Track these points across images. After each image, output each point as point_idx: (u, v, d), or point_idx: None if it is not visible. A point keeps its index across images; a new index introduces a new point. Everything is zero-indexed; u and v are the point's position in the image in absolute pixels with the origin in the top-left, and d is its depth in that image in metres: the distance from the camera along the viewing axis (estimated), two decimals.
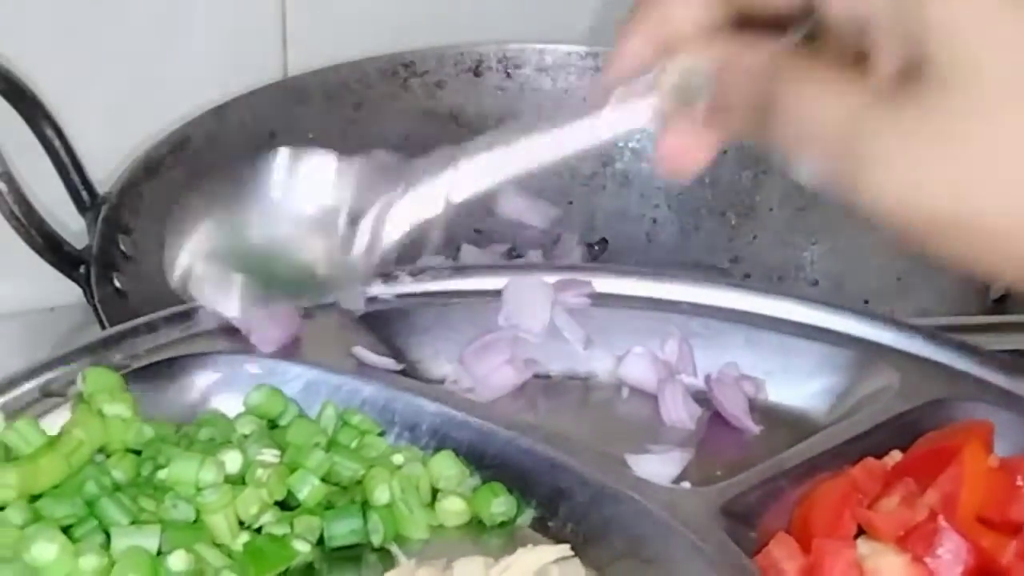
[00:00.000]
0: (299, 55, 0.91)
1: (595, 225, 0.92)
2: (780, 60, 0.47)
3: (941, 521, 0.56)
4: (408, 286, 0.67)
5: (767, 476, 0.60)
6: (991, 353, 0.65)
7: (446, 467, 0.61)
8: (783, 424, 0.65)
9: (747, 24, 0.49)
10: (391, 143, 0.90)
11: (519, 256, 0.89)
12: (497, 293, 0.67)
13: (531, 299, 0.68)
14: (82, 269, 0.77)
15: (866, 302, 0.84)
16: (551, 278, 0.68)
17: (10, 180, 0.76)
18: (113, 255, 0.78)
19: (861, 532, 0.57)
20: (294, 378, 0.62)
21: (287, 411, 0.62)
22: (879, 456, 0.60)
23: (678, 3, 0.50)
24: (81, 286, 0.77)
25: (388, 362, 0.64)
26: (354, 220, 0.55)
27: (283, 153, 0.56)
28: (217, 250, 0.57)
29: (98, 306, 0.74)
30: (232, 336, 0.63)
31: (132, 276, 0.78)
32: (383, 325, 0.66)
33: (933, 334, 0.66)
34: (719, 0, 0.49)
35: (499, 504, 0.60)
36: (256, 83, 0.88)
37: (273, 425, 0.61)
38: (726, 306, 0.68)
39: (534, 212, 0.90)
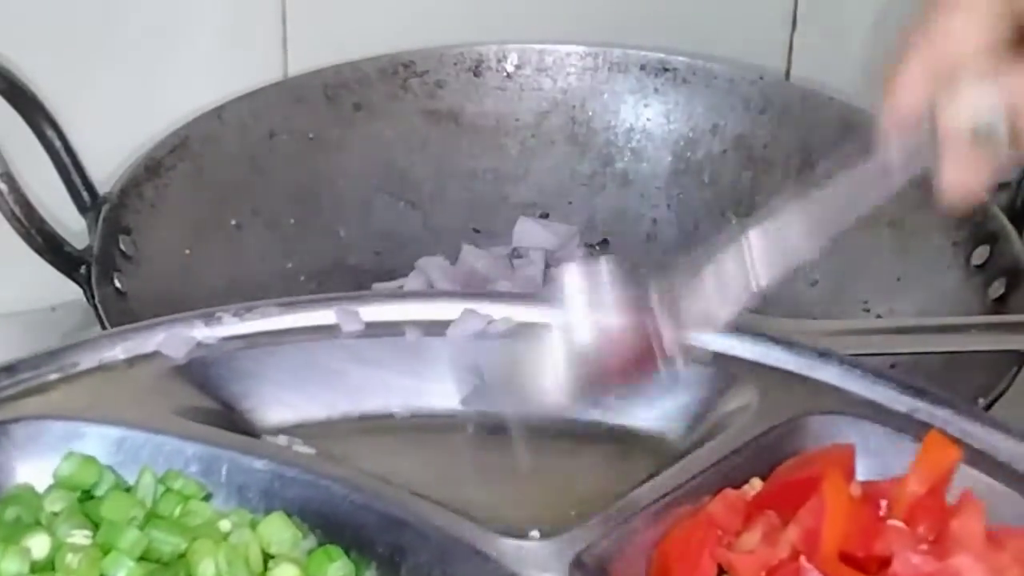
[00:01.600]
0: (299, 55, 0.91)
1: (595, 225, 0.92)
2: None
3: (803, 561, 0.53)
4: (233, 327, 0.62)
5: (621, 518, 0.56)
6: (852, 361, 0.62)
7: (278, 530, 0.55)
8: (639, 450, 0.61)
9: None
10: (391, 143, 0.90)
11: (520, 257, 0.89)
12: (329, 328, 0.63)
13: None
14: (82, 269, 0.77)
15: (866, 302, 0.84)
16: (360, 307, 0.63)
17: (10, 180, 0.76)
18: (113, 255, 0.78)
19: (723, 571, 0.55)
20: (110, 440, 0.58)
21: (102, 480, 0.57)
22: (738, 484, 0.57)
23: (959, 25, 0.47)
24: (81, 286, 0.77)
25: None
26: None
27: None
28: None
29: (98, 306, 0.74)
30: (41, 395, 0.59)
31: (132, 276, 0.78)
32: (206, 372, 0.61)
33: (791, 344, 0.62)
34: (1004, 19, 0.46)
35: (337, 568, 0.55)
36: (256, 83, 0.88)
37: (88, 496, 0.57)
38: None
39: (549, 234, 0.90)
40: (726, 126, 0.91)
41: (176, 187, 0.83)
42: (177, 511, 0.56)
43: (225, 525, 0.56)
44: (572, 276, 0.56)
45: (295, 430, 0.61)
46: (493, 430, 0.60)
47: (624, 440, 0.62)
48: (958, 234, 0.82)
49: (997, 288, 0.78)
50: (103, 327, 0.73)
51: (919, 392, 0.60)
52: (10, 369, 0.59)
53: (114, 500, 0.56)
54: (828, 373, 0.61)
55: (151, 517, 0.56)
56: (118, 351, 0.61)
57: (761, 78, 0.90)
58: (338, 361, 0.62)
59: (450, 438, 0.62)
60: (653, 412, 0.62)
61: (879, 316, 0.84)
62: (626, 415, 0.62)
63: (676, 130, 0.91)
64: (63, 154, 0.80)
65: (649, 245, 0.91)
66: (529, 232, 0.90)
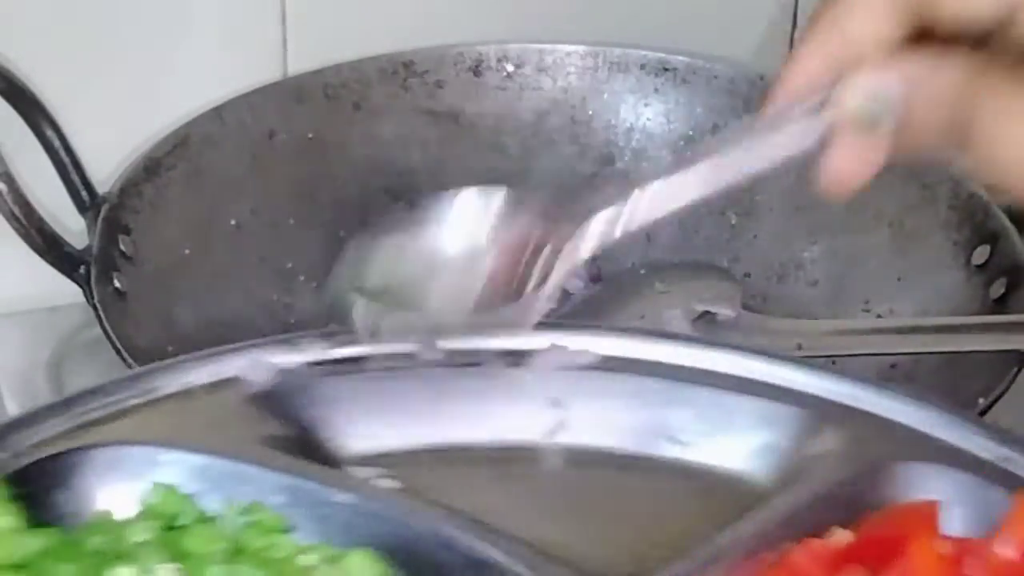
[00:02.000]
0: (299, 55, 0.91)
1: None
2: (975, 78, 0.45)
3: None
4: (315, 353, 0.61)
5: (704, 564, 0.54)
6: (941, 405, 0.60)
7: (362, 567, 0.54)
8: (720, 490, 0.59)
9: (925, 38, 0.47)
10: (391, 143, 0.90)
11: None
12: (411, 356, 0.61)
13: None
14: (82, 269, 0.77)
15: (866, 302, 0.84)
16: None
17: (10, 180, 0.76)
18: (113, 255, 0.78)
19: None
20: (191, 467, 0.56)
21: (185, 510, 0.56)
22: (821, 532, 0.56)
23: (857, 18, 0.48)
24: (81, 286, 0.77)
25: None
26: (514, 257, 0.54)
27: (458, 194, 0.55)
28: (368, 281, 0.56)
29: (98, 306, 0.74)
30: (123, 420, 0.58)
31: (132, 276, 0.78)
32: (288, 399, 0.60)
33: (880, 386, 0.60)
34: (901, 15, 0.47)
35: None
36: (256, 83, 0.88)
37: (170, 526, 0.56)
38: (652, 358, 0.61)
39: None
40: (726, 126, 0.90)
41: (176, 187, 0.83)
42: (260, 544, 0.55)
43: (308, 560, 0.55)
44: (465, 202, 0.56)
45: (377, 460, 0.60)
46: (574, 465, 0.60)
47: (705, 479, 0.60)
48: (958, 234, 0.82)
49: (997, 288, 0.78)
50: (103, 327, 0.73)
51: (1010, 440, 0.58)
52: (93, 392, 0.58)
53: (198, 533, 0.55)
54: (916, 418, 0.59)
55: (235, 550, 0.55)
56: (200, 375, 0.60)
57: (761, 78, 0.90)
58: (420, 390, 0.61)
59: (531, 472, 0.60)
60: (736, 451, 0.60)
61: (879, 316, 0.84)
62: (708, 453, 0.60)
63: (676, 130, 0.91)
64: (62, 154, 0.80)
65: (649, 245, 0.91)
66: None
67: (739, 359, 0.61)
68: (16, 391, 0.85)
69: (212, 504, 0.56)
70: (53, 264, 0.77)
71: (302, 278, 0.86)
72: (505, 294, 0.57)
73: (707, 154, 0.53)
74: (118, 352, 0.72)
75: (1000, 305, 0.78)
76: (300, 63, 0.91)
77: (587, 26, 0.94)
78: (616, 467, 0.60)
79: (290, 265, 0.86)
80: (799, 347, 0.78)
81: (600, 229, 0.54)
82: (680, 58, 0.91)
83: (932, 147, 0.47)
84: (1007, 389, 0.71)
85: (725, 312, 0.80)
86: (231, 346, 0.61)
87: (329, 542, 0.55)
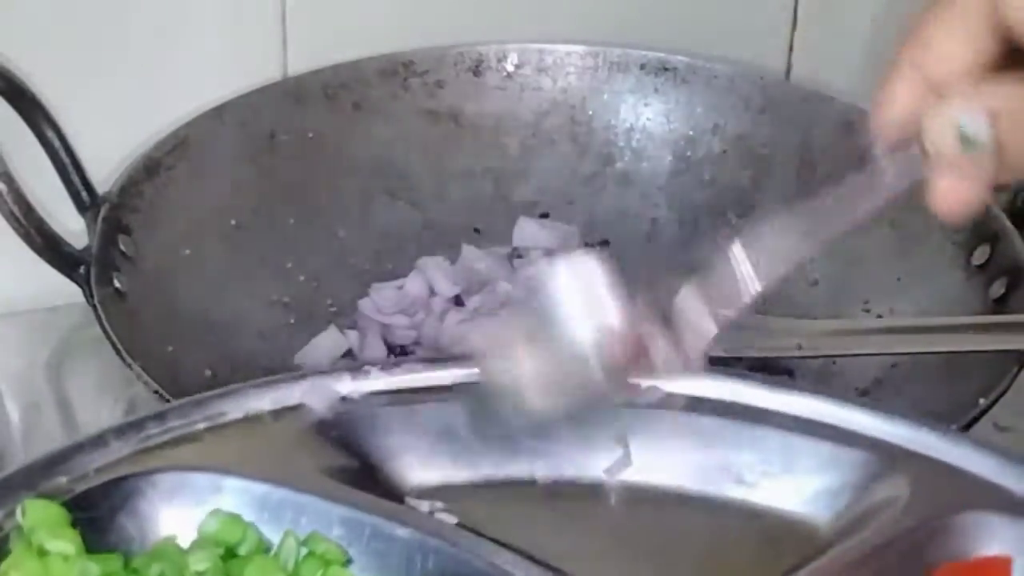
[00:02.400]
0: (299, 55, 0.91)
1: (595, 225, 0.92)
2: None
3: None
4: (378, 382, 0.61)
5: None
6: (1010, 454, 0.58)
7: None
8: (783, 533, 0.59)
9: (1017, 59, 0.47)
10: (391, 143, 0.90)
11: (520, 257, 0.89)
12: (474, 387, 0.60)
13: None
14: (82, 269, 0.77)
15: (866, 302, 0.84)
16: None
17: (10, 180, 0.76)
18: (113, 255, 0.78)
19: None
20: (254, 495, 0.57)
21: (246, 539, 0.56)
22: None
23: (943, 43, 0.48)
24: (81, 286, 0.77)
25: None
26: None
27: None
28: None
29: (98, 306, 0.74)
30: (188, 445, 0.58)
31: (132, 276, 0.78)
32: (350, 428, 0.60)
33: (947, 433, 0.60)
34: (986, 37, 0.47)
35: None
36: (256, 83, 0.88)
37: (231, 554, 0.56)
38: (717, 397, 0.61)
39: (550, 233, 0.90)
40: (726, 126, 0.90)
41: (176, 187, 0.83)
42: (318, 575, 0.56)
43: None
44: (563, 272, 0.55)
45: (437, 493, 0.59)
46: (636, 503, 0.60)
47: (768, 521, 0.59)
48: (958, 234, 0.82)
49: (997, 288, 0.78)
50: (103, 327, 0.73)
51: None
52: (160, 417, 0.59)
53: (258, 565, 0.55)
54: (985, 466, 0.58)
55: None
56: (264, 402, 0.60)
57: (761, 78, 0.90)
58: (481, 423, 0.61)
59: (593, 510, 0.60)
60: (799, 494, 0.60)
61: (879, 316, 0.84)
62: (772, 495, 0.60)
63: (676, 130, 0.91)
64: (62, 154, 0.80)
65: (649, 245, 0.91)
66: (529, 232, 0.90)
67: (804, 400, 0.61)
68: (16, 391, 0.85)
69: (273, 533, 0.56)
70: (53, 264, 0.77)
71: (302, 278, 0.86)
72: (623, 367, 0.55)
73: (814, 208, 0.53)
74: (118, 352, 0.72)
75: (1000, 305, 0.78)
76: (300, 63, 0.91)
77: (587, 26, 0.94)
78: (678, 506, 0.60)
79: (290, 265, 0.86)
80: (799, 347, 0.78)
81: (724, 287, 0.55)
82: (680, 58, 0.91)
83: None
84: (1007, 389, 0.71)
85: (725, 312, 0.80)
86: (295, 373, 0.61)
87: (387, 575, 0.56)
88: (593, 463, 0.61)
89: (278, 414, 0.60)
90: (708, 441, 0.60)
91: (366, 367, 0.61)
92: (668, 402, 0.60)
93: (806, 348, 0.78)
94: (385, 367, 0.61)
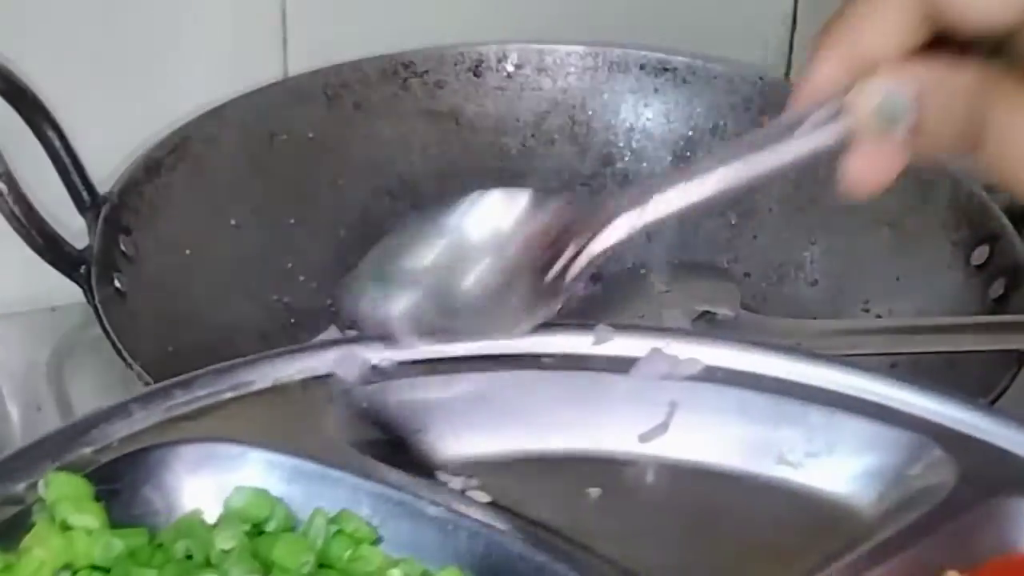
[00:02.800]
0: (299, 55, 0.91)
1: None
2: (989, 84, 0.46)
3: None
4: (410, 351, 0.58)
5: None
6: None
7: None
8: (824, 514, 0.57)
9: (940, 44, 0.48)
10: (391, 143, 0.90)
11: None
12: (510, 359, 0.59)
13: None
14: (82, 269, 0.77)
15: (866, 302, 0.84)
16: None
17: (10, 180, 0.76)
18: (113, 255, 0.78)
19: None
20: (282, 468, 0.55)
21: (274, 515, 0.54)
22: (932, 570, 0.52)
23: (873, 25, 0.49)
24: (81, 286, 0.77)
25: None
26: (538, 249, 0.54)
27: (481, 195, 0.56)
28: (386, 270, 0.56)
29: (98, 306, 0.74)
30: (215, 415, 0.57)
31: (132, 276, 0.78)
32: (381, 399, 0.58)
33: (995, 413, 0.57)
34: (916, 22, 0.48)
35: None
36: (256, 83, 0.88)
37: (258, 530, 0.55)
38: (758, 371, 0.59)
39: None
40: (726, 126, 0.91)
41: (176, 187, 0.83)
42: (347, 555, 0.54)
43: (396, 574, 0.53)
44: (491, 200, 0.56)
45: (470, 468, 0.57)
46: (675, 480, 0.58)
47: (810, 502, 0.57)
48: (958, 234, 0.82)
49: (997, 288, 0.78)
50: (103, 327, 0.73)
51: None
52: (186, 384, 0.57)
53: (286, 544, 0.53)
54: None
55: (321, 561, 0.54)
56: (293, 370, 0.58)
57: (761, 78, 0.90)
58: (517, 394, 0.59)
59: (630, 486, 0.58)
60: (843, 474, 0.57)
61: (879, 316, 0.84)
62: (815, 475, 0.57)
63: (676, 130, 0.91)
64: (63, 154, 0.80)
65: (649, 245, 0.91)
66: None
67: (848, 377, 0.58)
68: (16, 391, 0.85)
69: (300, 508, 0.54)
70: (53, 264, 0.77)
71: (302, 278, 0.86)
72: (529, 283, 0.56)
73: (725, 155, 0.53)
74: (118, 352, 0.72)
75: (999, 305, 0.78)
76: (300, 63, 0.91)
77: (587, 26, 0.94)
78: (718, 484, 0.57)
79: (290, 265, 0.86)
80: (799, 347, 0.78)
81: (622, 223, 0.55)
82: (680, 58, 0.91)
83: (947, 149, 0.48)
84: (1007, 389, 0.71)
85: (725, 312, 0.80)
86: (324, 339, 0.60)
87: (418, 555, 0.54)
88: (631, 437, 0.59)
89: (307, 383, 0.58)
90: (749, 417, 0.58)
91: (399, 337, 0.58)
92: (708, 375, 0.58)
93: (806, 348, 0.78)
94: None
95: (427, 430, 0.58)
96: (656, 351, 0.59)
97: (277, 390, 0.58)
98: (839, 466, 0.57)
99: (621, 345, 0.59)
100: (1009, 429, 0.56)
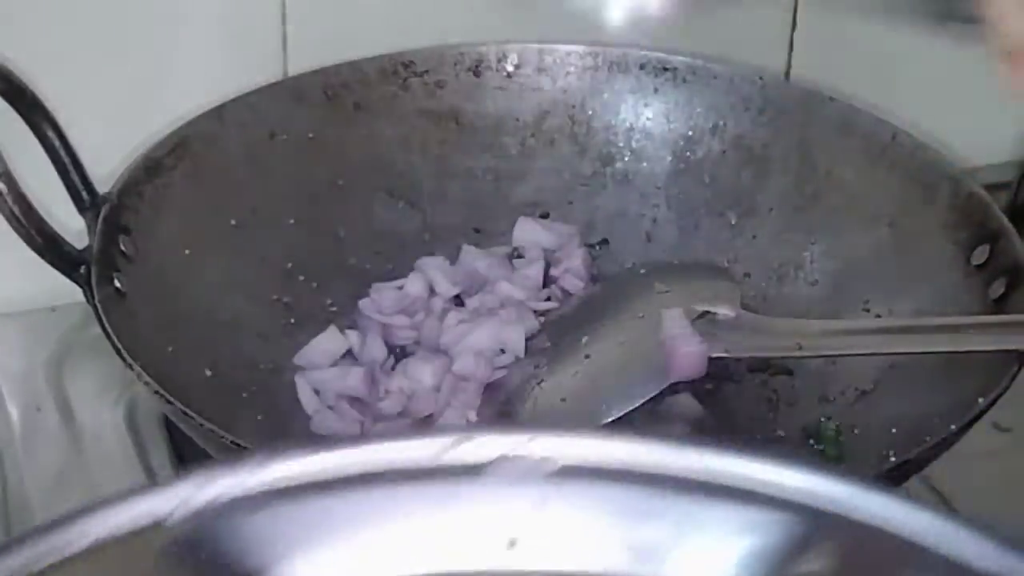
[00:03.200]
0: (299, 55, 0.91)
1: (595, 225, 0.92)
2: None
3: None
4: (245, 480, 0.51)
5: None
6: (946, 514, 0.51)
7: None
8: None
9: None
10: (391, 143, 0.90)
11: (520, 257, 0.89)
12: (355, 479, 0.53)
13: None
14: (82, 269, 0.77)
15: (866, 302, 0.84)
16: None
17: (10, 180, 0.76)
18: (113, 255, 0.78)
19: None
20: None
21: None
22: None
23: None
24: (81, 286, 0.77)
25: None
26: None
27: None
28: None
29: (98, 306, 0.74)
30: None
31: (132, 276, 0.78)
32: (216, 543, 0.52)
33: (880, 490, 0.53)
34: None
35: None
36: (256, 83, 0.88)
37: None
38: (615, 465, 0.53)
39: (550, 233, 0.90)
40: (726, 126, 0.91)
41: (176, 187, 0.83)
42: None
43: None
44: None
45: None
46: None
47: None
48: (958, 234, 0.82)
49: (997, 288, 0.78)
50: (103, 327, 0.73)
51: (1018, 549, 0.51)
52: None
53: None
54: (917, 526, 0.51)
55: None
56: (112, 524, 0.50)
57: (761, 78, 0.90)
58: (367, 517, 0.53)
59: None
60: (716, 566, 0.53)
61: (879, 316, 0.84)
62: (685, 569, 0.53)
63: (676, 130, 0.91)
64: (63, 154, 0.80)
65: (649, 245, 0.91)
66: (529, 232, 0.90)
67: (715, 459, 0.53)
68: (16, 391, 0.85)
69: None
70: (53, 264, 0.77)
71: (302, 278, 0.86)
72: None
73: None
74: (118, 352, 0.72)
75: (1000, 305, 0.78)
76: (300, 63, 0.91)
77: (587, 26, 0.94)
78: None
79: (290, 265, 0.86)
80: (799, 347, 0.78)
81: None
82: (680, 58, 0.91)
83: None
84: (1007, 389, 0.71)
85: (725, 312, 0.80)
86: (147, 485, 0.51)
87: None
88: (484, 552, 0.53)
89: (128, 538, 0.50)
90: (612, 514, 0.53)
91: (224, 466, 0.51)
92: (567, 473, 0.52)
93: (806, 348, 0.78)
94: (258, 461, 0.52)
95: (272, 570, 0.52)
96: (507, 455, 0.53)
97: (95, 552, 0.49)
98: (712, 558, 0.53)
99: (473, 449, 0.53)
100: (888, 509, 0.51)
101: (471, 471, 0.53)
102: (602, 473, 0.53)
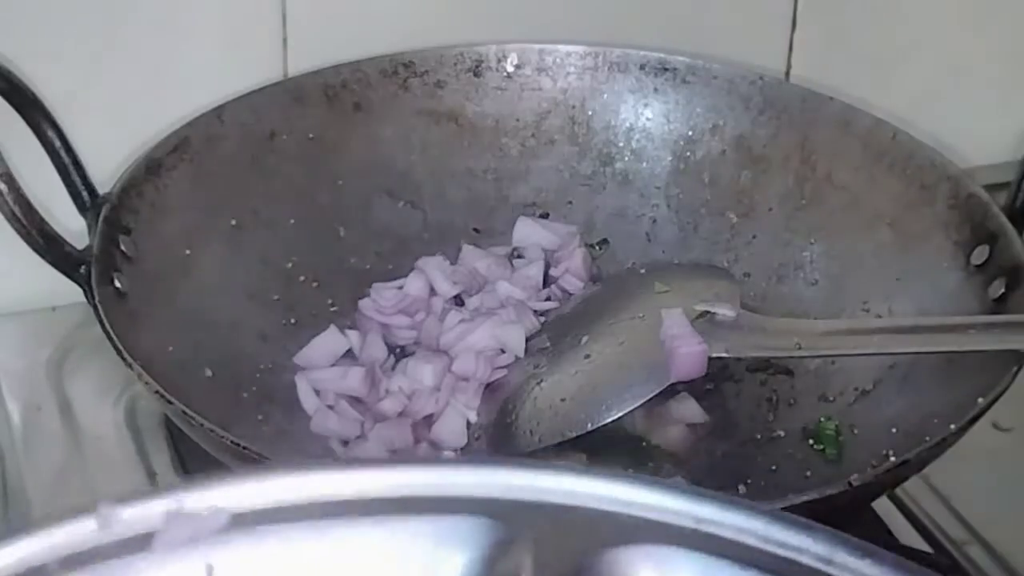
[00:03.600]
0: (299, 55, 0.91)
1: (595, 225, 0.92)
2: None
3: None
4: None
5: None
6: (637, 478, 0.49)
7: None
8: None
9: None
10: (391, 143, 0.90)
11: (520, 257, 0.89)
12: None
13: None
14: (82, 269, 0.77)
15: (866, 302, 0.84)
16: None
17: (10, 180, 0.76)
18: (113, 255, 0.78)
19: None
20: None
21: None
22: None
23: None
24: (81, 286, 0.77)
25: None
26: None
27: None
28: None
29: (98, 306, 0.74)
30: None
31: (132, 276, 0.78)
32: None
33: (547, 468, 0.49)
34: None
35: None
36: (256, 83, 0.88)
37: None
38: (291, 501, 0.48)
39: (550, 233, 0.90)
40: (726, 126, 0.91)
41: (176, 187, 0.83)
42: None
43: None
44: None
45: None
46: None
47: None
48: (958, 234, 0.82)
49: (997, 288, 0.78)
50: (103, 327, 0.73)
51: (707, 500, 0.48)
52: None
53: None
54: (614, 496, 0.48)
55: None
56: None
57: (761, 78, 0.90)
58: None
59: None
60: None
61: (879, 316, 0.84)
62: None
63: (676, 130, 0.91)
64: (63, 154, 0.80)
65: (649, 245, 0.91)
66: (529, 232, 0.90)
67: (395, 474, 0.49)
68: (16, 391, 0.85)
69: None
70: (53, 264, 0.77)
71: (302, 278, 0.86)
72: None
73: None
74: (118, 352, 0.72)
75: (999, 305, 0.78)
76: (300, 63, 0.91)
77: (587, 26, 0.94)
78: None
79: (290, 265, 0.86)
80: (799, 347, 0.78)
81: None
82: (680, 58, 0.91)
83: None
84: (1006, 389, 0.71)
85: (725, 312, 0.80)
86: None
87: None
88: None
89: None
90: (297, 552, 0.48)
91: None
92: (238, 522, 0.48)
93: (806, 348, 0.78)
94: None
95: None
96: (171, 515, 0.48)
97: None
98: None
99: (133, 519, 0.48)
100: (578, 485, 0.49)
101: (140, 541, 0.48)
102: (276, 513, 0.48)
